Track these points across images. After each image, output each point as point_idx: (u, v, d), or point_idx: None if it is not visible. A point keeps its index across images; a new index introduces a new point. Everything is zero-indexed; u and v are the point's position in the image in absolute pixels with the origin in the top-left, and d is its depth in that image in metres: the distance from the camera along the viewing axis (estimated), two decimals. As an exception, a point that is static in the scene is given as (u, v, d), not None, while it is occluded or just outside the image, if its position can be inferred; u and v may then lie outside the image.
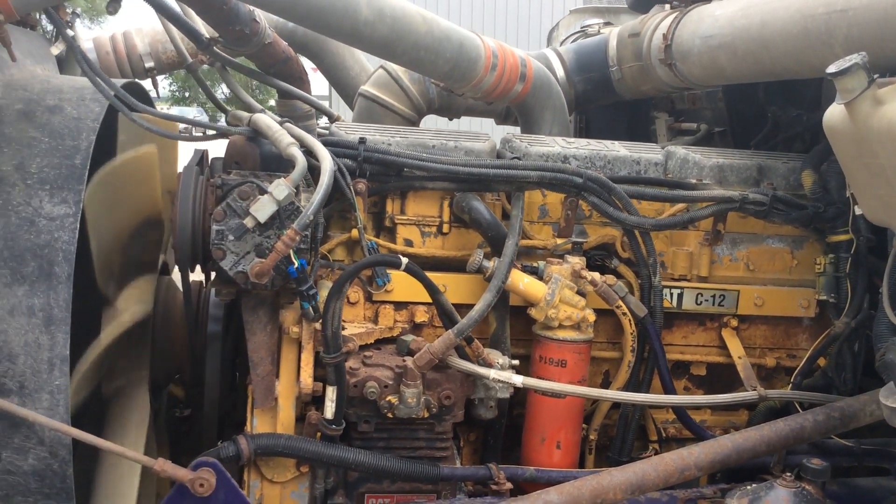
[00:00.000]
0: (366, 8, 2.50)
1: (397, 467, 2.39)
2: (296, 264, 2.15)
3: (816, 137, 3.32)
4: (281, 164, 2.51)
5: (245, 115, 2.62)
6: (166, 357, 2.95)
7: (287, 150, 2.17)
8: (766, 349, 2.91)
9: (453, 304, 2.51)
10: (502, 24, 16.28)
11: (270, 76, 2.92)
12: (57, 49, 3.03)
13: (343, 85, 4.08)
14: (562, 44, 4.50)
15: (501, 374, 2.40)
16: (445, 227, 2.66)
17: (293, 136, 2.31)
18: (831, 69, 1.96)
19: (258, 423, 2.44)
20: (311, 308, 2.26)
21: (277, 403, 2.42)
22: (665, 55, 3.18)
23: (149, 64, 3.56)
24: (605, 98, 3.76)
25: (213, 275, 2.61)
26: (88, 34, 3.45)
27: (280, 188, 2.07)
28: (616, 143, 3.01)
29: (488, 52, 2.95)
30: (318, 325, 2.35)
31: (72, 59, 3.44)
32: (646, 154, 2.90)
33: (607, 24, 4.71)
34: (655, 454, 2.66)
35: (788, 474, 2.25)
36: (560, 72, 3.68)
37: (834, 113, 2.08)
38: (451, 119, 4.02)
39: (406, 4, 2.66)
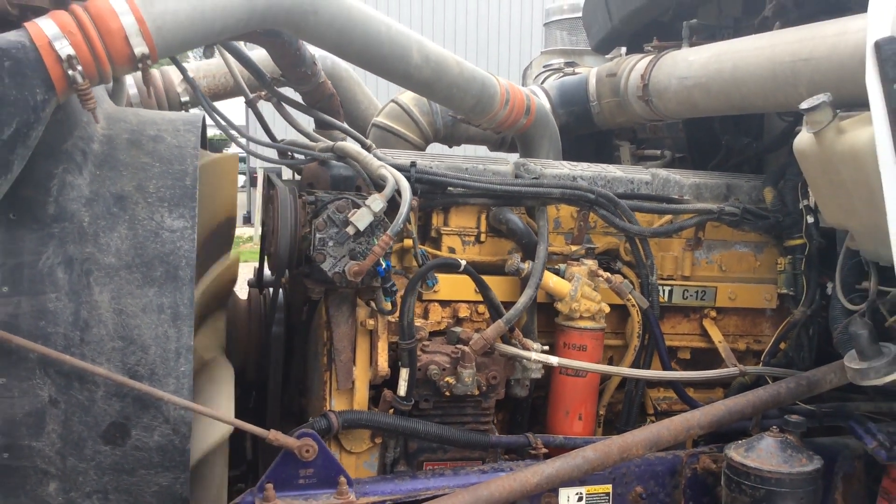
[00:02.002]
0: (416, 54, 2.99)
1: (458, 436, 2.85)
2: (383, 265, 2.61)
3: (762, 161, 4.00)
4: (347, 185, 2.96)
5: (310, 143, 3.05)
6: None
7: (378, 171, 2.63)
8: (738, 336, 3.49)
9: (488, 301, 2.98)
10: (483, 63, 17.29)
11: (316, 110, 3.37)
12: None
13: (353, 117, 4.53)
14: (534, 79, 5.09)
15: (541, 356, 2.90)
16: (483, 237, 3.13)
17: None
18: (804, 105, 2.54)
19: (336, 404, 2.85)
20: (391, 302, 2.71)
21: (354, 386, 2.85)
22: (643, 93, 3.77)
23: (184, 98, 3.94)
24: (584, 128, 4.33)
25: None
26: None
27: (376, 202, 2.52)
28: (610, 165, 3.56)
29: (502, 90, 3.47)
30: (391, 318, 2.80)
31: (116, 94, 3.79)
32: (637, 175, 3.45)
33: (570, 63, 5.33)
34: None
35: (775, 427, 2.82)
36: (546, 105, 4.23)
37: (803, 140, 2.66)
38: (450, 146, 4.52)
39: (442, 50, 3.15)
